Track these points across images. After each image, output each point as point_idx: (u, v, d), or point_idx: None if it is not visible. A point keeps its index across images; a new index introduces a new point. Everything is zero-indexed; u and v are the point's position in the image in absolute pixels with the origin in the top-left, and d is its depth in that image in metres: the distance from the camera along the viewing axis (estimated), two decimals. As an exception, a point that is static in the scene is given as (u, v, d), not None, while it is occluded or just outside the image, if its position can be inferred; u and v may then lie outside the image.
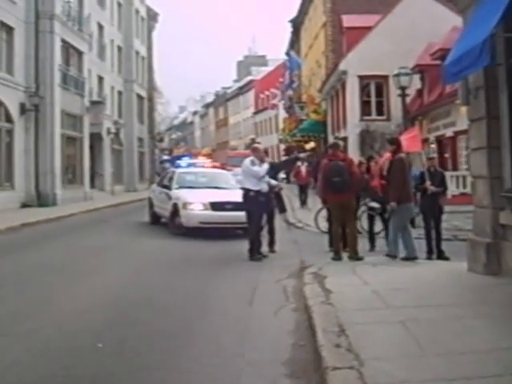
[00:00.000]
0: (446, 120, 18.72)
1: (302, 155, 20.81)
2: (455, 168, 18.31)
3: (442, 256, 8.70)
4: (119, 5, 34.30)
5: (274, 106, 49.35)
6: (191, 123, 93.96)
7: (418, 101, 21.24)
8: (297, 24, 38.63)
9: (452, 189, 14.60)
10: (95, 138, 27.07)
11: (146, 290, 6.55)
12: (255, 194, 8.82)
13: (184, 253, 9.59)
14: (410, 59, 18.50)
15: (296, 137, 33.13)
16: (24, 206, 18.80)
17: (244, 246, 8.96)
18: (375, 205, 9.41)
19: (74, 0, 23.34)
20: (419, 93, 21.02)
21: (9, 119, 18.82)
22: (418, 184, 9.18)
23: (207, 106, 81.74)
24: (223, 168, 23.03)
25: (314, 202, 13.90)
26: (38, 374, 3.85)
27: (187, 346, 4.47)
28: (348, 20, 24.51)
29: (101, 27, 29.86)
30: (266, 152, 9.71)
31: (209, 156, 54.51)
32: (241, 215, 9.30)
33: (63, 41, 21.57)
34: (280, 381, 3.70)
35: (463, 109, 8.75)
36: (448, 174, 14.39)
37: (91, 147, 25.74)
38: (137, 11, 37.07)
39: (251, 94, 61.26)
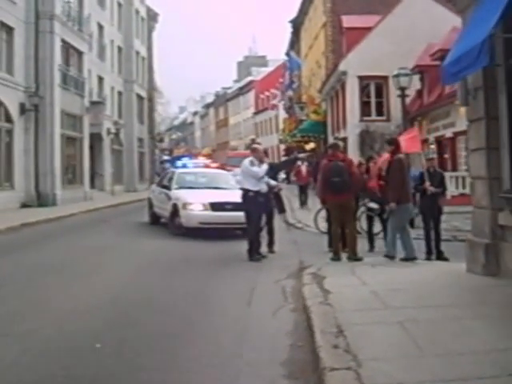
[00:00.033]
0: (446, 121, 18.73)
1: (300, 155, 20.86)
2: (454, 169, 18.32)
3: (441, 257, 8.71)
4: (119, 5, 34.31)
5: (274, 107, 49.37)
6: (191, 123, 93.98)
7: (417, 101, 21.25)
8: (297, 24, 38.63)
9: (451, 189, 14.60)
10: (95, 139, 27.08)
11: (145, 290, 6.56)
12: (254, 194, 8.82)
13: (184, 253, 9.60)
14: (409, 60, 18.51)
15: (296, 137, 33.14)
16: (24, 206, 18.81)
17: (243, 246, 8.96)
18: (374, 205, 9.42)
19: (74, 0, 23.35)
20: (419, 93, 21.03)
21: (8, 119, 18.83)
22: (417, 185, 9.19)
23: (207, 106, 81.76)
24: (223, 168, 23.03)
25: (314, 202, 13.90)
26: (38, 373, 3.86)
27: (187, 346, 4.48)
28: (348, 20, 24.52)
29: (101, 27, 29.87)
30: (265, 152, 9.72)
31: (209, 156, 54.53)
32: (240, 215, 9.31)
33: (63, 41, 21.58)
34: (278, 381, 3.71)
35: (462, 109, 8.77)
36: (447, 174, 14.40)
37: (91, 147, 25.76)
38: (137, 11, 37.09)
39: (251, 95, 61.28)
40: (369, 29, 22.98)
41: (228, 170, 18.56)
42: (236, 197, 9.57)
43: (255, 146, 9.87)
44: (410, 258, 7.94)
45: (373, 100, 23.45)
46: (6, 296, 6.18)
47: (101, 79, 29.74)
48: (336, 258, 8.34)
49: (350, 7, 24.90)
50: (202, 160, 32.53)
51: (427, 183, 8.91)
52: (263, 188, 9.00)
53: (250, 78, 62.95)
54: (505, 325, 4.44)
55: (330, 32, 27.30)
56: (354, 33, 23.42)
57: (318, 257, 8.65)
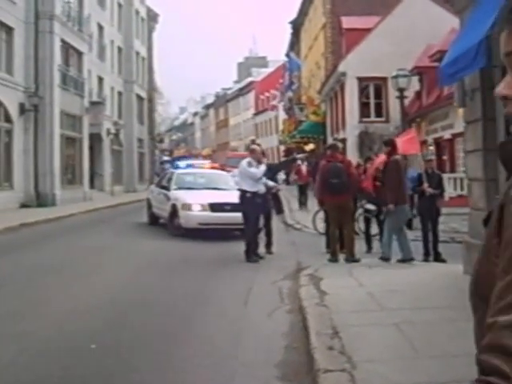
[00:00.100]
0: (444, 122, 18.71)
1: (299, 156, 20.83)
2: (453, 170, 18.30)
3: (438, 258, 8.70)
4: (119, 5, 34.32)
5: (274, 107, 49.36)
6: (191, 124, 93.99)
7: (416, 103, 21.24)
8: (297, 25, 38.63)
9: (449, 191, 14.58)
10: (95, 139, 27.08)
11: (144, 291, 6.57)
12: (252, 195, 8.82)
13: (182, 253, 9.60)
14: (409, 61, 18.50)
15: (295, 138, 33.14)
16: (23, 206, 18.80)
17: (242, 247, 8.96)
18: (371, 207, 9.41)
19: (73, 0, 23.36)
20: (418, 95, 21.02)
21: (8, 119, 18.84)
22: (415, 186, 9.19)
23: (207, 106, 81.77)
24: (222, 169, 23.03)
25: (313, 203, 13.91)
26: (35, 373, 3.87)
27: (182, 347, 4.49)
28: (347, 21, 24.50)
29: (101, 28, 29.88)
30: (263, 153, 9.72)
31: (209, 157, 54.52)
32: (239, 216, 9.30)
33: (63, 41, 21.58)
34: (272, 383, 3.71)
35: (460, 111, 8.77)
36: (446, 176, 14.39)
37: (91, 148, 25.76)
38: (137, 12, 37.09)
39: (251, 96, 61.27)
40: (368, 30, 22.96)
41: (227, 171, 18.56)
42: (235, 197, 9.57)
43: (253, 146, 9.87)
44: (406, 260, 7.93)
45: (372, 101, 23.44)
46: (6, 296, 6.20)
47: (101, 79, 29.75)
48: (333, 259, 8.34)
49: (349, 8, 24.88)
50: (201, 161, 32.51)
51: (425, 184, 8.90)
52: (261, 189, 9.00)
53: (250, 79, 62.95)
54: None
55: (330, 33, 27.29)
56: (354, 34, 23.40)
57: (316, 258, 8.65)
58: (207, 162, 28.64)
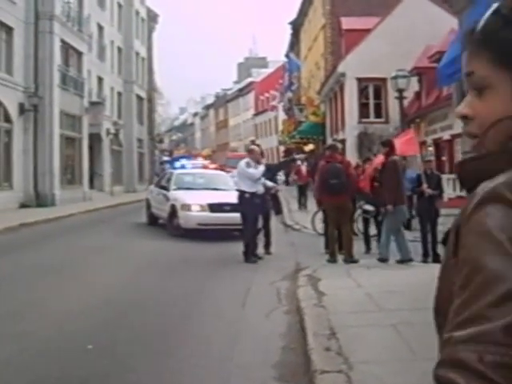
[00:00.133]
0: (443, 123, 18.69)
1: (298, 156, 20.84)
2: (452, 171, 18.28)
3: (437, 259, 8.65)
4: (119, 6, 34.32)
5: (274, 108, 49.37)
6: (191, 124, 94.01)
7: (416, 103, 21.23)
8: (296, 26, 38.63)
9: (449, 192, 14.56)
10: (94, 139, 27.08)
11: (142, 291, 6.58)
12: (250, 195, 8.81)
13: (181, 254, 9.60)
14: (408, 61, 18.48)
15: (295, 139, 33.14)
16: (22, 206, 18.80)
17: (241, 247, 8.96)
18: (369, 208, 9.40)
19: (73, 1, 23.36)
20: (417, 95, 21.01)
21: (8, 119, 18.83)
22: (414, 187, 9.18)
23: (207, 107, 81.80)
24: (222, 169, 23.03)
25: (313, 204, 13.91)
26: (33, 373, 3.87)
27: (179, 347, 4.49)
28: (347, 22, 24.49)
29: (101, 28, 29.88)
30: (262, 154, 9.71)
31: (209, 157, 54.50)
32: (239, 217, 9.30)
33: (63, 41, 21.58)
34: (269, 384, 3.71)
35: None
36: (445, 176, 14.37)
37: (90, 148, 25.75)
38: (137, 12, 37.10)
39: (251, 96, 61.29)
40: (368, 31, 22.95)
41: (227, 172, 18.57)
42: (234, 198, 9.56)
43: (252, 147, 9.87)
44: (405, 260, 7.92)
45: (371, 102, 23.42)
46: (4, 296, 6.19)
47: (100, 80, 29.75)
48: (332, 259, 8.33)
49: (349, 9, 24.87)
50: (200, 161, 32.48)
51: (424, 185, 8.88)
52: (259, 189, 8.99)
53: (249, 80, 62.96)
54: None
55: (329, 34, 27.28)
56: (353, 34, 23.39)
57: (315, 258, 8.64)
58: (200, 162, 28.53)
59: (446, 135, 18.64)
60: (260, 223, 9.32)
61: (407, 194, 10.25)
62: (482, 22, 0.79)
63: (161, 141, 52.83)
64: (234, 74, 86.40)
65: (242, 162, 9.06)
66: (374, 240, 9.81)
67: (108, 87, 31.04)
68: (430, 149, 19.89)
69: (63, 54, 22.05)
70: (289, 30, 40.77)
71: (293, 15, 38.81)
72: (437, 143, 19.90)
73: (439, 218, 9.17)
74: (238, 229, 10.49)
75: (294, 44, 40.71)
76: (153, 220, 14.02)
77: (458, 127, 14.10)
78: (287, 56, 40.23)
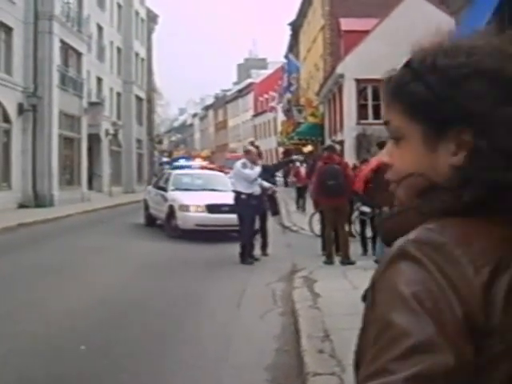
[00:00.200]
0: (443, 124, 18.72)
1: (295, 157, 20.81)
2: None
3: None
4: (119, 6, 34.34)
5: (273, 109, 49.39)
6: (191, 125, 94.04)
7: (415, 105, 21.24)
8: (296, 27, 38.65)
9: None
10: (93, 139, 27.08)
11: (139, 292, 6.58)
12: (247, 196, 8.80)
13: (178, 255, 9.59)
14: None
15: (294, 140, 33.15)
16: (21, 206, 18.78)
17: (238, 248, 8.95)
18: (366, 209, 9.39)
19: (73, 1, 23.37)
20: (416, 97, 21.02)
21: (7, 119, 18.83)
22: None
23: (207, 108, 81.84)
24: (221, 170, 23.02)
25: (311, 205, 13.92)
26: (22, 373, 3.87)
27: (174, 348, 4.49)
28: (346, 23, 24.50)
29: (100, 28, 29.89)
30: (260, 155, 9.70)
31: (208, 158, 54.51)
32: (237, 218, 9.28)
33: (62, 42, 21.59)
34: (261, 386, 3.70)
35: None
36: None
37: (89, 148, 25.75)
38: (137, 13, 37.11)
39: (250, 97, 61.32)
40: (367, 32, 22.94)
41: (226, 173, 18.56)
42: (232, 199, 9.54)
43: (248, 147, 9.86)
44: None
45: (370, 103, 23.40)
46: (4, 296, 6.20)
47: (100, 80, 29.75)
48: (329, 261, 8.32)
49: (348, 10, 24.87)
50: (198, 162, 32.46)
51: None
52: (256, 190, 8.97)
53: (249, 81, 62.99)
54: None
55: (329, 35, 27.29)
56: (352, 36, 23.40)
57: (312, 260, 8.63)
58: (199, 163, 28.48)
59: (444, 137, 18.65)
60: (257, 224, 9.31)
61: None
62: (396, 73, 0.82)
63: (160, 141, 52.88)
64: (233, 74, 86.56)
65: (238, 163, 9.04)
66: (371, 242, 9.79)
67: (107, 88, 31.04)
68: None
69: (62, 55, 22.06)
70: (288, 31, 40.81)
71: (292, 16, 38.86)
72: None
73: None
74: (236, 230, 10.48)
75: (294, 45, 40.73)
76: (151, 221, 14.01)
77: None
78: (286, 57, 40.25)
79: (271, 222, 10.04)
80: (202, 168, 22.15)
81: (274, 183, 11.19)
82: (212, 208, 11.45)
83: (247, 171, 8.84)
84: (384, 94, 0.83)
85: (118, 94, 33.68)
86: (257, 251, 9.20)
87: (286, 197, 19.88)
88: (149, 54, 40.88)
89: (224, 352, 4.33)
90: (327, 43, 27.62)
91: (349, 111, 23.21)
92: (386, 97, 0.82)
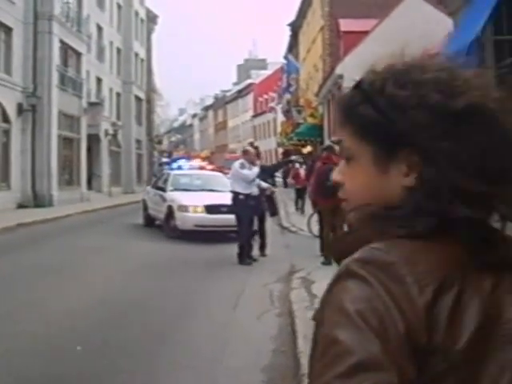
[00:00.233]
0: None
1: (294, 158, 20.77)
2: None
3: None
4: (119, 6, 34.34)
5: (272, 109, 49.40)
6: (190, 126, 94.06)
7: (414, 106, 21.25)
8: (295, 28, 38.65)
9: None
10: (93, 140, 27.08)
11: (136, 293, 6.58)
12: (245, 197, 8.79)
13: (176, 255, 9.59)
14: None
15: (293, 140, 33.16)
16: (20, 206, 18.78)
17: (236, 249, 8.94)
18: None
19: (73, 1, 23.38)
20: (415, 98, 21.03)
21: (6, 119, 18.83)
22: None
23: (206, 108, 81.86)
24: (221, 171, 23.01)
25: (310, 206, 13.92)
26: (21, 373, 3.87)
27: (169, 349, 4.49)
28: (345, 24, 24.51)
29: (100, 29, 29.89)
30: (258, 155, 9.68)
31: (207, 159, 54.52)
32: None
33: (62, 42, 21.59)
34: (257, 387, 3.70)
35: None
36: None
37: (89, 148, 25.75)
38: (136, 13, 37.12)
39: (250, 98, 61.33)
40: (366, 33, 22.95)
41: (225, 173, 18.56)
42: (230, 199, 9.53)
43: (246, 148, 9.85)
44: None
45: (369, 104, 23.43)
46: (4, 296, 6.21)
47: (99, 80, 29.75)
48: (327, 262, 8.30)
49: (347, 11, 24.87)
50: (197, 162, 32.53)
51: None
52: (254, 191, 8.96)
53: (249, 81, 63.00)
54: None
55: (328, 35, 27.30)
56: (352, 36, 23.40)
57: (310, 261, 8.62)
58: (197, 164, 28.52)
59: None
60: (255, 225, 9.29)
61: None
62: (346, 94, 0.82)
63: (159, 142, 52.87)
64: (233, 75, 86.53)
65: (236, 164, 9.03)
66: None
67: (107, 88, 31.04)
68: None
69: (62, 55, 22.06)
70: (288, 32, 40.82)
71: (292, 17, 38.86)
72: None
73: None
74: (234, 230, 10.48)
75: (293, 46, 40.74)
76: (149, 221, 13.99)
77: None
78: (286, 58, 40.27)
79: (270, 222, 10.02)
80: (201, 168, 22.17)
81: (274, 184, 11.17)
82: (211, 208, 11.44)
83: (245, 172, 8.83)
84: (337, 113, 0.83)
85: (118, 95, 33.68)
86: (255, 252, 9.19)
87: (285, 198, 19.86)
88: (148, 54, 40.90)
89: (220, 353, 4.33)
90: (326, 44, 27.62)
91: (348, 112, 23.19)
92: (339, 116, 0.83)
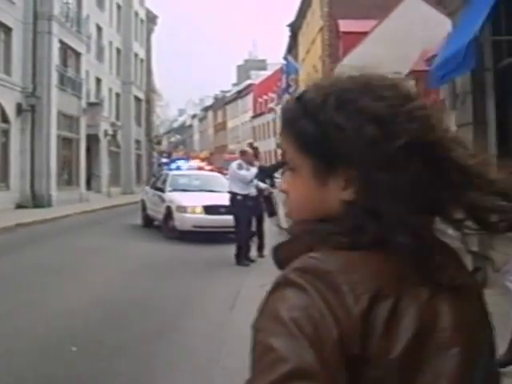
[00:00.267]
0: (441, 127, 18.68)
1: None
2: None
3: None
4: (118, 7, 34.37)
5: (272, 110, 49.40)
6: (190, 126, 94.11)
7: (414, 107, 21.21)
8: (295, 28, 38.67)
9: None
10: (92, 140, 27.08)
11: (133, 293, 6.59)
12: (243, 198, 8.78)
13: (174, 256, 9.58)
14: (406, 65, 18.51)
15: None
16: (19, 206, 18.78)
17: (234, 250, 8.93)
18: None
19: (72, 1, 23.40)
20: (415, 99, 21.00)
21: (5, 119, 18.83)
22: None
23: (206, 109, 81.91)
24: (220, 172, 23.00)
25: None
26: (20, 374, 3.87)
27: (165, 350, 4.49)
28: (344, 25, 24.53)
29: (99, 29, 29.91)
30: (256, 156, 9.67)
31: (206, 160, 54.53)
32: (234, 219, 9.25)
33: (61, 42, 21.61)
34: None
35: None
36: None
37: (88, 149, 25.76)
38: (136, 14, 37.15)
39: (250, 98, 61.35)
40: (365, 33, 22.99)
41: (224, 174, 18.54)
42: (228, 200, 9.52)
43: (244, 148, 9.84)
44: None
45: (369, 105, 23.42)
46: (4, 296, 6.21)
47: (99, 80, 29.77)
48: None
49: (347, 12, 24.90)
50: (196, 163, 32.54)
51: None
52: (252, 192, 8.95)
53: (248, 82, 63.04)
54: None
55: (327, 36, 27.33)
56: (351, 37, 23.43)
57: (308, 261, 8.60)
58: (196, 164, 28.53)
59: (443, 139, 18.62)
60: (253, 226, 9.28)
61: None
62: (290, 105, 0.83)
63: (159, 142, 52.88)
64: (233, 75, 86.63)
65: (234, 164, 9.02)
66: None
67: (106, 88, 31.06)
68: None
69: (61, 55, 22.08)
70: (287, 33, 40.84)
71: (291, 17, 38.88)
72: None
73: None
74: (233, 231, 10.47)
75: (293, 46, 40.75)
76: (148, 222, 13.99)
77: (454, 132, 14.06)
78: (285, 58, 40.29)
79: (268, 223, 10.01)
80: (199, 169, 22.16)
81: (273, 184, 11.15)
82: (209, 209, 11.43)
83: (243, 172, 8.81)
84: (282, 124, 0.84)
85: (117, 95, 33.70)
86: (253, 252, 9.18)
87: (283, 198, 19.82)
88: (148, 54, 40.93)
89: (217, 353, 4.32)
90: (326, 44, 27.65)
91: (347, 113, 23.20)
92: (282, 127, 0.83)
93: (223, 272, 8.07)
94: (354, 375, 0.66)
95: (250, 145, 14.74)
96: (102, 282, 7.23)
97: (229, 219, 10.12)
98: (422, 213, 0.73)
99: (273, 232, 11.79)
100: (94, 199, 24.08)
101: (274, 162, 44.91)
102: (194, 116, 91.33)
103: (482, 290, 0.85)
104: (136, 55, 36.88)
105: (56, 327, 5.04)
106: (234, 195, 8.90)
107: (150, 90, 42.00)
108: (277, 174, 17.70)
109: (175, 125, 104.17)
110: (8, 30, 18.90)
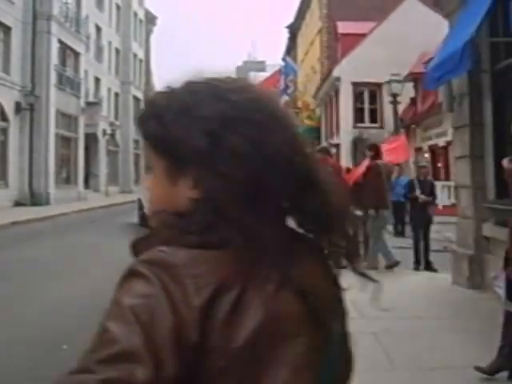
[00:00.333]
0: (438, 129, 18.64)
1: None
2: (447, 178, 18.25)
3: (429, 267, 8.42)
4: (118, 7, 34.35)
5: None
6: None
7: (411, 109, 21.20)
8: (294, 30, 38.64)
9: (443, 199, 14.47)
10: (91, 139, 27.06)
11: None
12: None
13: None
14: (404, 67, 18.46)
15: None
16: (17, 204, 18.79)
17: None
18: (358, 213, 9.29)
19: (71, 1, 23.38)
20: (413, 101, 20.99)
21: (4, 118, 18.84)
22: (406, 193, 9.07)
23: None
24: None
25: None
26: (14, 375, 3.86)
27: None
28: (343, 26, 24.48)
29: (99, 29, 29.89)
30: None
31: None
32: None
33: (60, 41, 21.61)
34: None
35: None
36: (440, 183, 14.31)
37: (87, 148, 25.74)
38: (135, 14, 37.13)
39: (249, 99, 61.30)
40: (364, 35, 22.92)
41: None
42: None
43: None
44: (392, 264, 7.73)
45: (366, 107, 23.38)
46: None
47: (97, 80, 29.75)
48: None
49: (346, 13, 24.85)
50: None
51: (418, 191, 8.68)
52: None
53: (248, 82, 62.99)
54: (484, 339, 4.30)
55: (326, 38, 27.30)
56: (349, 39, 23.38)
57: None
58: None
59: (441, 142, 18.59)
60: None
61: (401, 200, 10.16)
62: (143, 107, 0.85)
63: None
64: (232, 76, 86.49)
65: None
66: (363, 245, 9.69)
67: (105, 88, 31.04)
68: (426, 155, 19.82)
69: (60, 54, 22.07)
70: (286, 34, 40.82)
71: (290, 19, 38.87)
72: (432, 149, 19.86)
73: (432, 225, 9.03)
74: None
75: (291, 48, 40.73)
76: (145, 220, 13.91)
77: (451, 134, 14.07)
78: (284, 60, 40.26)
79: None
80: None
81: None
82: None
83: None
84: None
85: (116, 95, 33.68)
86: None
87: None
88: (147, 55, 40.90)
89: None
90: (324, 46, 27.62)
91: (345, 114, 23.18)
92: (139, 125, 0.85)
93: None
94: (195, 363, 0.69)
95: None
96: (97, 279, 7.18)
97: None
98: (266, 215, 0.75)
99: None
100: (92, 198, 24.07)
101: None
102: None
103: (336, 279, 0.94)
104: (135, 55, 36.86)
105: (54, 326, 5.02)
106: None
107: (149, 89, 41.98)
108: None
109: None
110: (7, 30, 18.91)
